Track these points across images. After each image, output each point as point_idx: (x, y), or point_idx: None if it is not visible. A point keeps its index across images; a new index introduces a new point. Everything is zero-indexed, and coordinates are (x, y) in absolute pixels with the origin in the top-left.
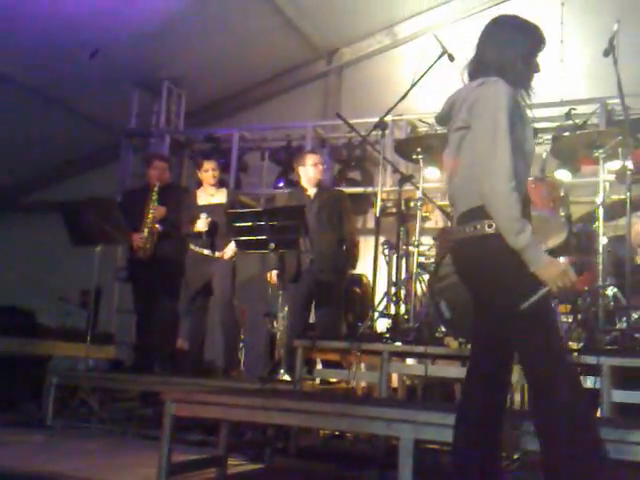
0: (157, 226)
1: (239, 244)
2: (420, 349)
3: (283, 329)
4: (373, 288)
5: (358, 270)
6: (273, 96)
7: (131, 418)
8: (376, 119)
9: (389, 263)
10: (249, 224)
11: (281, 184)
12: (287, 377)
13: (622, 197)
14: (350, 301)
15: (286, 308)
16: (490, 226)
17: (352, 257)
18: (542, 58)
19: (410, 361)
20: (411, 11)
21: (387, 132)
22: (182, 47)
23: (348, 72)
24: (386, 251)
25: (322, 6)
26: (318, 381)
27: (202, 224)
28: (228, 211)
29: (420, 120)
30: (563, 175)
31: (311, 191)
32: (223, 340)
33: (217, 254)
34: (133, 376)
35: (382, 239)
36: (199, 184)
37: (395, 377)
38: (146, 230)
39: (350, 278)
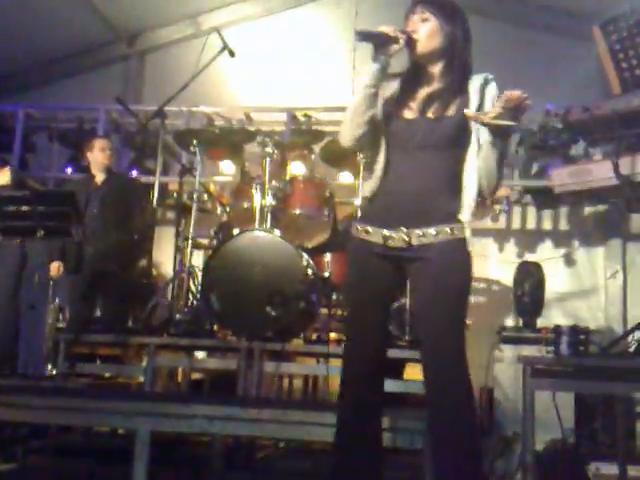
0: None
1: (4, 230)
2: (185, 341)
3: (52, 322)
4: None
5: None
6: (70, 76)
7: None
8: (178, 108)
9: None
10: (15, 209)
11: (69, 169)
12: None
13: None
14: (138, 294)
15: (57, 300)
16: None
17: (140, 248)
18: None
19: (201, 355)
20: (215, 3)
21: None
22: None
23: (150, 58)
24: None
25: None
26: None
27: None
28: None
29: (217, 114)
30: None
31: (99, 177)
32: None
33: None
34: None
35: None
36: None
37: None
38: None
39: (141, 270)
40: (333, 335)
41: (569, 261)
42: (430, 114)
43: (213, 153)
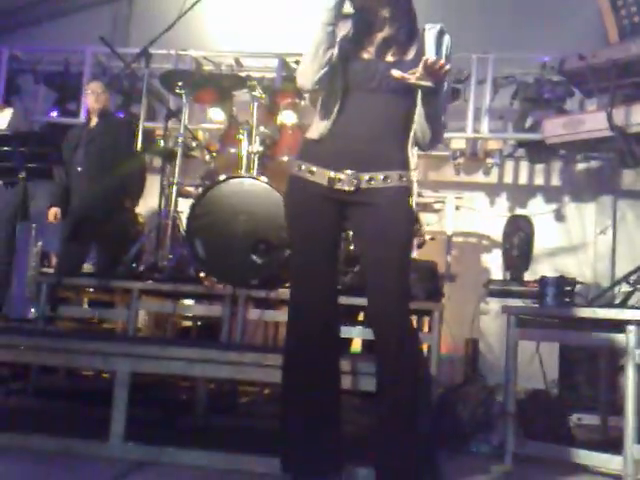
0: None
1: None
2: (169, 287)
3: (35, 265)
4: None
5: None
6: (57, 17)
7: None
8: (166, 51)
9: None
10: None
11: (54, 112)
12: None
13: None
14: (124, 240)
15: (39, 244)
16: None
17: (131, 193)
18: None
19: (188, 302)
20: None
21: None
22: None
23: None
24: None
25: None
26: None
27: None
28: None
29: (206, 58)
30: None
31: (93, 121)
32: None
33: None
34: None
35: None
36: None
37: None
38: None
39: (130, 216)
40: None
41: (559, 216)
42: (389, 57)
43: (201, 97)
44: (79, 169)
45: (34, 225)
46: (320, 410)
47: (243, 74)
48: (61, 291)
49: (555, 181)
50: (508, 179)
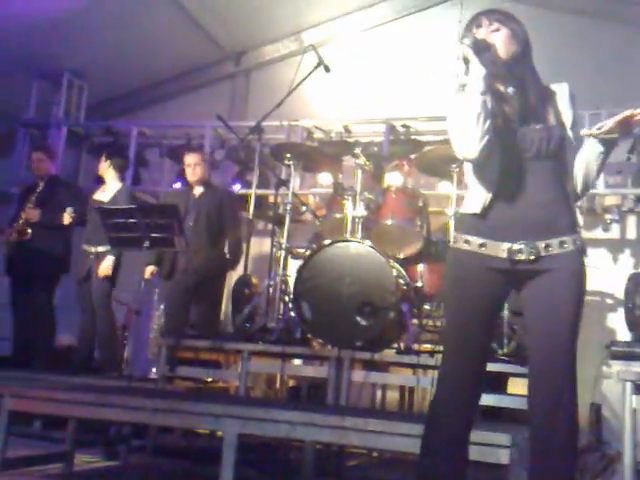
0: (28, 230)
1: (112, 241)
2: (278, 349)
3: (157, 327)
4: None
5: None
6: (180, 94)
7: None
8: (279, 123)
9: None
10: (122, 221)
11: (178, 183)
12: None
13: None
14: (238, 302)
15: (162, 306)
16: None
17: (233, 257)
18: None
19: (297, 362)
20: (317, 19)
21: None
22: (82, 39)
23: (256, 75)
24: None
25: (230, 8)
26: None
27: (67, 218)
28: (99, 207)
29: (316, 127)
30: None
31: (197, 190)
32: (97, 339)
33: (100, 249)
34: None
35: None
36: (98, 179)
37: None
38: (14, 234)
39: (240, 279)
40: (425, 346)
41: None
42: (534, 123)
43: (309, 166)
44: (187, 236)
45: (156, 289)
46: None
47: (352, 140)
48: (178, 352)
49: None
50: (631, 234)
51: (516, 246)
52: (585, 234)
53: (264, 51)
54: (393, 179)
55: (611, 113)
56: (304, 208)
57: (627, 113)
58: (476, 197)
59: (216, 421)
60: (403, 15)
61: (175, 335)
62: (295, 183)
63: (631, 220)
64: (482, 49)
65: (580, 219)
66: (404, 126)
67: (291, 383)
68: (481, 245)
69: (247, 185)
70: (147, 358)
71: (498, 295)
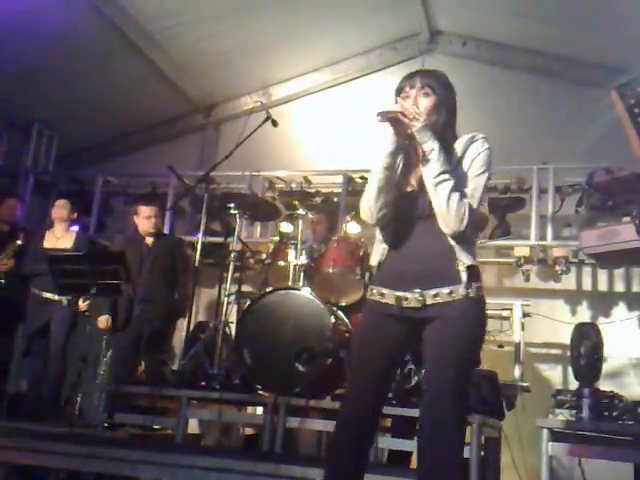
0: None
1: (60, 287)
2: (215, 395)
3: (104, 374)
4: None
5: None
6: (150, 145)
7: None
8: (250, 173)
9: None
10: (70, 267)
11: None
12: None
13: None
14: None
15: (109, 353)
16: None
17: (183, 305)
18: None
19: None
20: (284, 75)
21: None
22: (52, 91)
23: (225, 127)
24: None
25: (200, 63)
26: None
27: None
28: (49, 254)
29: (277, 178)
30: (353, 228)
31: (148, 239)
32: (47, 385)
33: (57, 298)
34: None
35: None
36: (51, 224)
37: None
38: None
39: (197, 325)
40: None
41: None
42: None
43: (256, 215)
44: (143, 285)
45: (105, 336)
46: None
47: (312, 190)
48: (121, 398)
49: (636, 287)
50: (587, 286)
51: (405, 294)
52: (540, 285)
53: (233, 104)
54: (351, 228)
55: (558, 169)
56: (250, 257)
57: (398, 108)
58: (377, 250)
59: (132, 467)
60: (363, 74)
61: (115, 382)
62: (255, 232)
63: (586, 271)
64: (394, 122)
65: (479, 269)
66: (362, 178)
67: (249, 432)
68: (381, 294)
69: (210, 233)
70: (92, 405)
71: (396, 340)
